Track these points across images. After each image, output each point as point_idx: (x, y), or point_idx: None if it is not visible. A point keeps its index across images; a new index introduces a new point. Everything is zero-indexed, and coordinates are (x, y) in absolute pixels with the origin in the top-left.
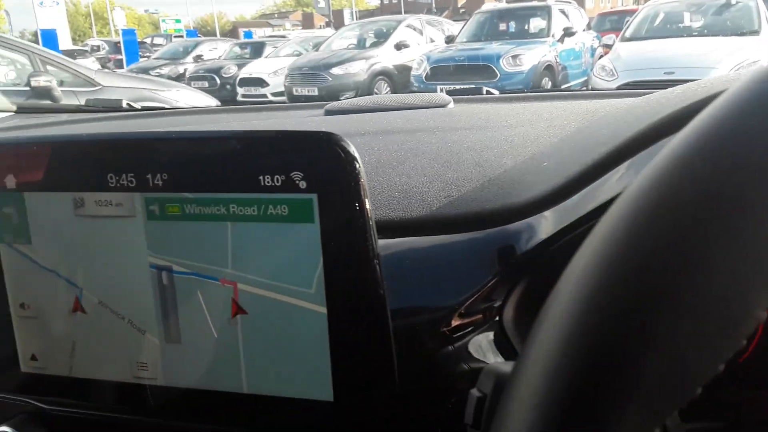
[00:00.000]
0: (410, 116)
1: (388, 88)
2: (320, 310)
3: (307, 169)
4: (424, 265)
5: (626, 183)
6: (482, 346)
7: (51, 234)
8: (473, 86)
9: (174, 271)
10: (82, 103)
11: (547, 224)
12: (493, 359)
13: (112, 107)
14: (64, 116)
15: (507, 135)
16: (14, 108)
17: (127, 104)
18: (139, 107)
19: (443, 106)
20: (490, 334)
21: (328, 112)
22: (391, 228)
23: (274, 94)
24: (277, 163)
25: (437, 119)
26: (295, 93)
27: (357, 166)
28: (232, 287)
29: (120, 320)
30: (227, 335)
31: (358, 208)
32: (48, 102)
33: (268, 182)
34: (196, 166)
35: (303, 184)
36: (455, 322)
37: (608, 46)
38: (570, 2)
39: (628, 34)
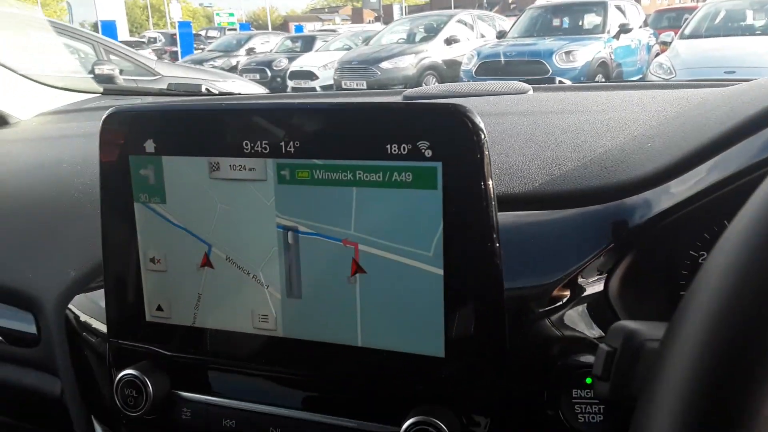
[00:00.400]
0: (493, 101)
1: (437, 83)
2: (437, 272)
3: (433, 138)
4: (532, 238)
5: (739, 165)
6: (586, 314)
7: (185, 194)
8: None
9: (299, 231)
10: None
11: (656, 201)
12: (597, 327)
13: (193, 92)
14: (149, 99)
15: (601, 119)
16: (101, 90)
17: (206, 89)
18: (217, 92)
19: (523, 93)
20: (595, 304)
21: (406, 98)
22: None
23: (323, 88)
24: (405, 132)
25: (522, 104)
26: (344, 86)
27: (482, 136)
28: (353, 248)
29: (245, 275)
30: (345, 292)
31: (480, 177)
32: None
33: (394, 150)
34: (327, 134)
35: (428, 153)
36: (562, 292)
37: (666, 44)
38: None
39: (687, 31)
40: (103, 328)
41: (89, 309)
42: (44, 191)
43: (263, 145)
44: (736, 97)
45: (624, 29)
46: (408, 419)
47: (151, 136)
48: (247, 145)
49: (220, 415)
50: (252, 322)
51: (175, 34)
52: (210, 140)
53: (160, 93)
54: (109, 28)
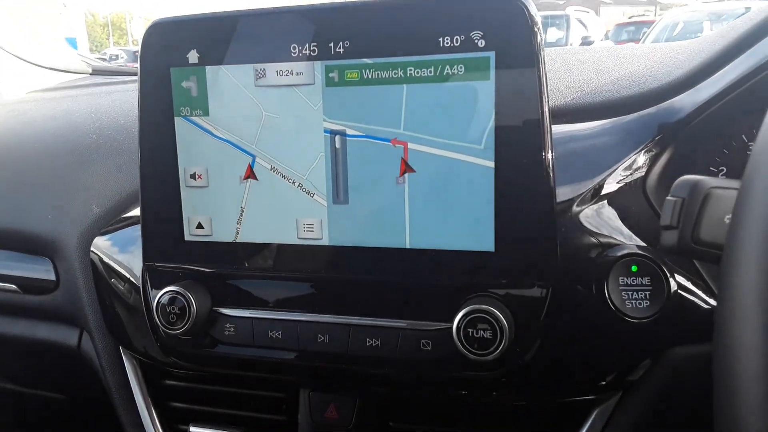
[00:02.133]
0: None
1: None
2: (488, 165)
3: (487, 27)
4: (571, 145)
5: (745, 68)
6: (627, 210)
7: (229, 105)
8: None
9: (347, 134)
10: None
11: (686, 104)
12: (638, 223)
13: None
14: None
15: (615, 56)
16: (90, 70)
17: None
18: None
19: None
20: (635, 201)
21: None
22: None
23: None
24: (458, 23)
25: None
26: None
27: (538, 25)
28: (402, 147)
29: (290, 184)
30: (394, 194)
31: (535, 67)
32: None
33: (447, 43)
34: (378, 32)
35: (482, 43)
36: (603, 190)
37: None
38: (588, 12)
39: (647, 43)
40: (129, 261)
41: (114, 245)
42: (59, 136)
43: (311, 48)
44: (728, 28)
45: (586, 42)
46: (460, 312)
47: (194, 45)
48: (294, 48)
49: (265, 328)
50: (297, 232)
51: (137, 51)
52: (256, 46)
53: None
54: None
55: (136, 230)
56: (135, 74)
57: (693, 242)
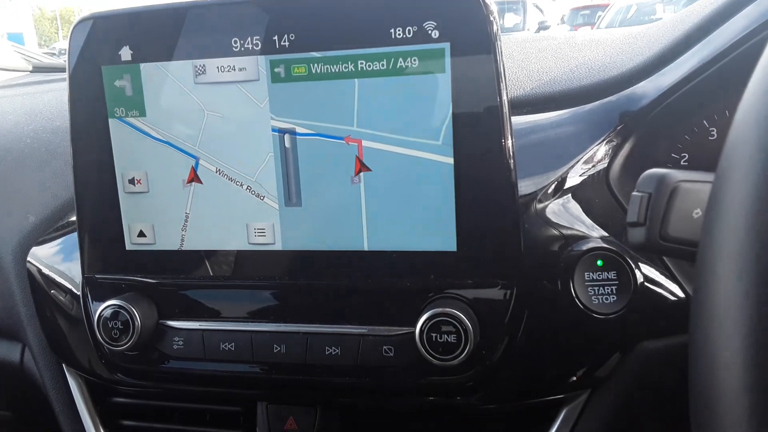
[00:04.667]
0: None
1: None
2: (447, 161)
3: (440, 17)
4: (531, 137)
5: (706, 54)
6: (591, 202)
7: (168, 104)
8: None
9: (297, 133)
10: None
11: (646, 93)
12: (602, 215)
13: None
14: None
15: (573, 42)
16: (30, 68)
17: None
18: None
19: None
20: (598, 193)
21: None
22: None
23: None
24: (410, 13)
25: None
26: None
27: (494, 14)
28: (356, 145)
29: (238, 187)
30: (349, 194)
31: (491, 56)
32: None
33: (399, 34)
34: (326, 23)
35: (435, 34)
36: (565, 183)
37: None
38: None
39: (602, 27)
40: (69, 271)
41: (53, 255)
42: None
43: (254, 41)
44: (686, 13)
45: (542, 27)
46: (422, 316)
47: (126, 42)
48: (236, 42)
49: (216, 340)
50: (248, 237)
51: None
52: (194, 41)
53: None
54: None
55: (75, 239)
56: None
57: (661, 239)
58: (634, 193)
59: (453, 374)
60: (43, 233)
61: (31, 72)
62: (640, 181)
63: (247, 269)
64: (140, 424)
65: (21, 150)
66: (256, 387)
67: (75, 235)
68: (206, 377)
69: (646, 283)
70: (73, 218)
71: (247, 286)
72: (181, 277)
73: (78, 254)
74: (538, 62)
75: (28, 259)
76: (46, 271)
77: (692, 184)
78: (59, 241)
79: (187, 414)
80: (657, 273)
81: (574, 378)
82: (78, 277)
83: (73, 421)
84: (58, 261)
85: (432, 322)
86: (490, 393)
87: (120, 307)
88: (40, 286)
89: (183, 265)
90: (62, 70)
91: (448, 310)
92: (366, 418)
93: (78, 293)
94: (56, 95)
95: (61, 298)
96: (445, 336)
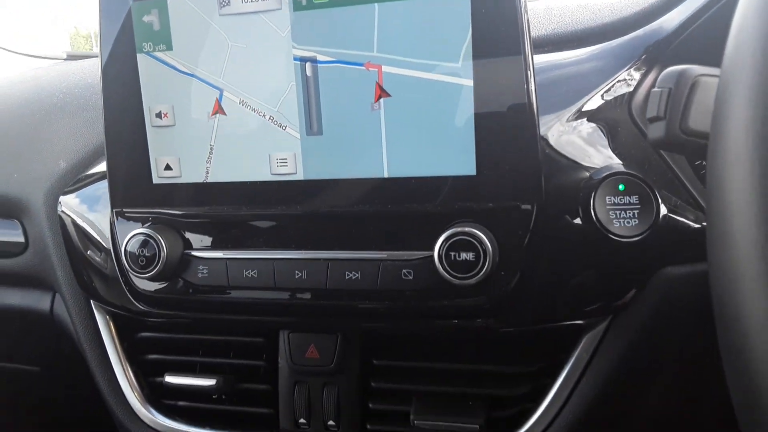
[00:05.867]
0: None
1: None
2: (467, 83)
3: None
4: (554, 72)
5: None
6: (613, 130)
7: (193, 37)
8: None
9: (318, 61)
10: None
11: (665, 26)
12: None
13: None
14: None
15: None
16: (64, 56)
17: None
18: None
19: None
20: (621, 122)
21: None
22: None
23: None
24: None
25: None
26: None
27: None
28: (376, 71)
29: (261, 118)
30: (369, 121)
31: None
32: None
33: None
34: None
35: None
36: (588, 111)
37: None
38: None
39: None
40: (98, 213)
41: (83, 198)
42: (24, 99)
43: None
44: None
45: None
46: (442, 235)
47: None
48: None
49: (240, 268)
50: (270, 168)
51: None
52: None
53: None
54: None
55: (105, 184)
56: None
57: (681, 132)
58: (654, 89)
59: (471, 296)
60: (74, 178)
61: (65, 60)
62: (661, 78)
63: (269, 199)
64: (165, 357)
65: (53, 103)
66: (278, 314)
67: (104, 181)
68: (230, 305)
69: (668, 210)
70: (104, 166)
71: (269, 216)
72: (205, 209)
73: (107, 195)
74: (560, 1)
75: (59, 201)
76: (75, 215)
77: (712, 78)
78: (89, 185)
79: (210, 346)
80: (680, 200)
81: (594, 304)
82: (106, 218)
83: (101, 359)
84: (88, 205)
85: (451, 241)
86: (508, 316)
87: (147, 235)
88: (70, 230)
89: (208, 196)
90: (95, 56)
91: (467, 229)
92: (385, 345)
93: (106, 234)
94: (90, 62)
95: (90, 239)
96: (464, 255)
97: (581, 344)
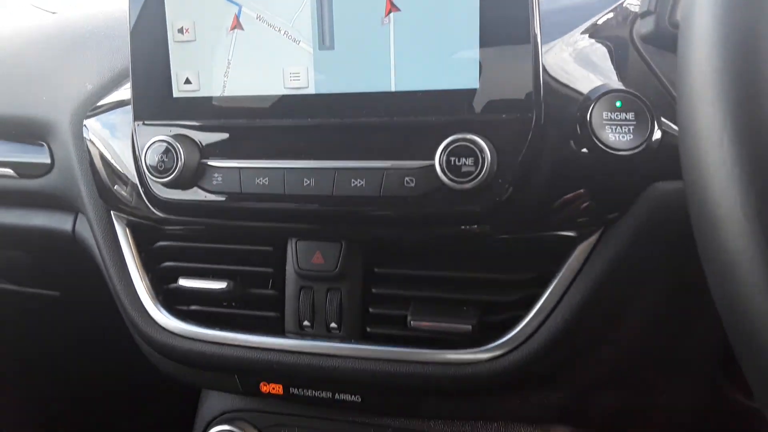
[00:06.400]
0: None
1: None
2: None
3: None
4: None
5: None
6: (616, 53)
7: None
8: None
9: None
10: None
11: None
12: (624, 65)
13: None
14: None
15: None
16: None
17: None
18: None
19: None
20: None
21: None
22: None
23: None
24: None
25: None
26: None
27: None
28: None
29: (276, 32)
30: (379, 36)
31: None
32: None
33: None
34: None
35: None
36: (592, 31)
37: None
38: None
39: None
40: (121, 130)
41: (107, 118)
42: (54, 28)
43: None
44: None
45: None
46: (443, 142)
47: None
48: None
49: (252, 176)
50: (283, 82)
51: None
52: None
53: None
54: None
55: (129, 108)
56: None
57: (670, 25)
58: None
59: (469, 202)
60: (100, 99)
61: None
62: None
63: (281, 112)
64: (179, 264)
65: (81, 34)
66: (287, 220)
67: (129, 106)
68: (242, 211)
69: (662, 127)
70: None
71: (281, 128)
72: (221, 121)
73: (130, 114)
74: None
75: (85, 122)
76: (101, 131)
77: None
78: (114, 108)
79: (222, 254)
80: (674, 121)
81: (586, 216)
82: (128, 136)
83: (119, 271)
84: (112, 122)
85: (452, 146)
86: (504, 223)
87: (166, 143)
88: (95, 148)
89: (224, 109)
90: None
91: (467, 135)
92: (387, 253)
93: (128, 147)
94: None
95: (113, 151)
96: (464, 160)
97: (573, 255)
